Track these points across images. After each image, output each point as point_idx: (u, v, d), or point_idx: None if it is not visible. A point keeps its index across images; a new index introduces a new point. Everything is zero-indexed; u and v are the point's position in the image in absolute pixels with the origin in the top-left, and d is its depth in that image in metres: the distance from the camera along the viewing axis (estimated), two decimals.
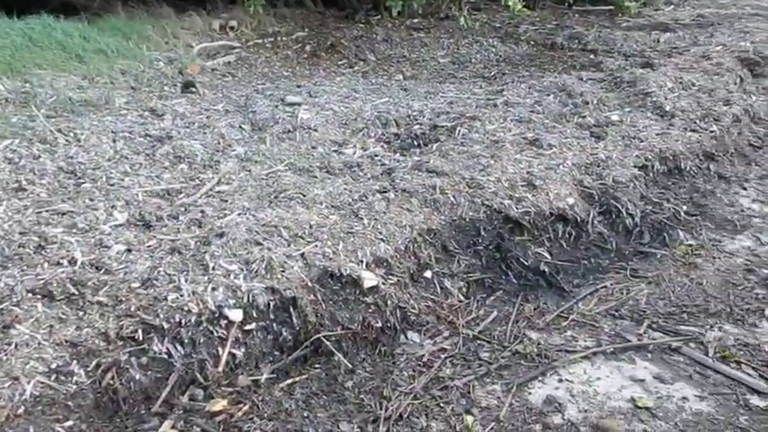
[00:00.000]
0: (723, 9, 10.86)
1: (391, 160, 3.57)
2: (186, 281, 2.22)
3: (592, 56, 7.45)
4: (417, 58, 7.08)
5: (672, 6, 11.29)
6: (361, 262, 2.45)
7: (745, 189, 4.01)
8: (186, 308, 2.10)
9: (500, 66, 6.95)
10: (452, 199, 3.00)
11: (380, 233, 2.64)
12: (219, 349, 2.07)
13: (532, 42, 8.09)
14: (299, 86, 5.25)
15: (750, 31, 8.04)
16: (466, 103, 4.74)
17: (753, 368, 2.40)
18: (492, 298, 2.79)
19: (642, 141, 3.96)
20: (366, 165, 3.49)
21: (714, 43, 7.41)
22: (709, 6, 11.22)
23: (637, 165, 3.66)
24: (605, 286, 2.94)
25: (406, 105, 4.64)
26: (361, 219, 2.73)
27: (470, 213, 2.96)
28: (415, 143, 4.05)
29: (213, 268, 2.29)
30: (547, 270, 2.91)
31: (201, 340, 2.07)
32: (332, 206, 2.85)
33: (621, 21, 9.75)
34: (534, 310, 2.74)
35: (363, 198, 2.94)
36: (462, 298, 2.72)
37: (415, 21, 8.61)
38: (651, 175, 3.72)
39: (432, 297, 2.61)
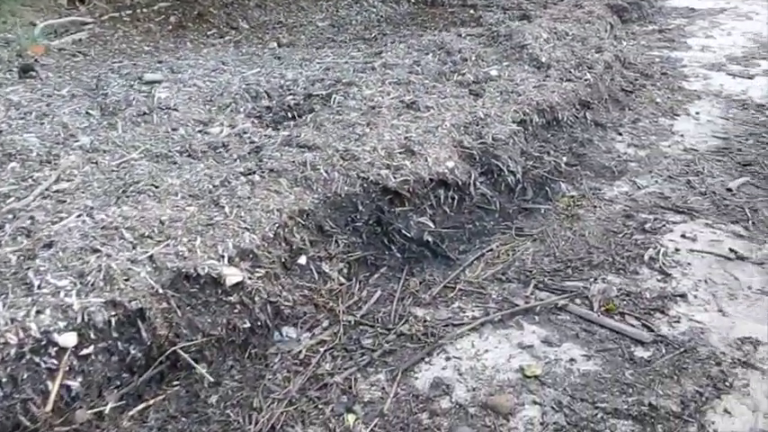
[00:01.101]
0: None
1: (261, 137, 3.27)
2: (3, 306, 1.85)
3: (472, 11, 7.39)
4: (294, 24, 6.69)
5: None
6: (223, 257, 2.18)
7: (620, 134, 4.08)
8: (3, 339, 1.75)
9: (381, 26, 6.71)
10: (325, 174, 2.77)
11: (244, 221, 2.37)
12: (49, 383, 1.74)
13: (413, 0, 7.91)
14: (160, 62, 4.75)
15: None
16: (343, 69, 4.47)
17: (636, 318, 2.40)
18: (376, 276, 2.61)
19: (520, 95, 3.90)
20: (233, 144, 3.16)
21: None
22: None
23: (515, 120, 3.59)
24: (491, 249, 2.86)
25: (279, 75, 4.31)
26: (223, 207, 2.44)
27: (346, 188, 2.74)
28: (289, 115, 3.75)
29: (39, 286, 1.93)
30: (431, 239, 2.77)
31: (25, 376, 1.73)
32: (189, 196, 2.53)
33: None
34: (420, 283, 2.59)
35: (226, 183, 2.64)
36: (343, 280, 2.52)
37: None
38: (530, 129, 3.67)
39: (308, 285, 2.39)
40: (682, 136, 4.08)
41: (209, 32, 6.18)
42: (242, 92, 3.92)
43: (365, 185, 2.79)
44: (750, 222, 3.08)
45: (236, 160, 2.97)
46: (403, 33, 6.30)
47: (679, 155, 3.82)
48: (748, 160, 3.72)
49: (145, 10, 6.54)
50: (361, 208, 2.74)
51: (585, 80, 4.32)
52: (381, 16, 7.14)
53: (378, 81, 4.08)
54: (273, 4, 7.23)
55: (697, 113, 4.43)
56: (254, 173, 2.73)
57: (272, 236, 2.37)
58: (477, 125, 3.45)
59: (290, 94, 3.94)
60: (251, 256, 2.25)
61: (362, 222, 2.73)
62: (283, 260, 2.37)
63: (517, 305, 2.47)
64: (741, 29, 6.46)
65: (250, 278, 2.17)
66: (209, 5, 6.78)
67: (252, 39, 6.03)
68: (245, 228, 2.34)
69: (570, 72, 4.40)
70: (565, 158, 3.60)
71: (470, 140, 3.30)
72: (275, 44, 5.63)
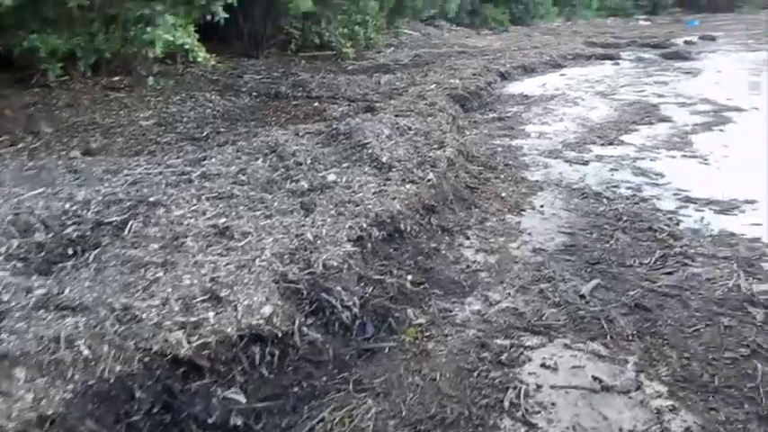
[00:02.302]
0: (435, 49, 11.77)
1: (15, 292, 2.45)
2: None
3: (317, 103, 7.13)
4: (113, 124, 5.92)
5: (392, 48, 11.90)
6: None
7: (468, 239, 3.76)
8: None
9: (215, 123, 6.16)
10: (87, 352, 2.03)
11: None
12: None
13: (255, 93, 7.54)
14: None
15: (458, 68, 8.58)
16: (153, 182, 3.80)
17: None
18: None
19: (358, 206, 3.46)
20: None
21: (429, 82, 7.67)
22: (424, 47, 12.10)
23: (351, 238, 3.11)
24: (323, 419, 2.25)
25: (68, 196, 3.52)
26: None
27: (118, 368, 2.02)
28: (69, 252, 2.97)
29: None
30: (241, 422, 2.11)
31: None
32: None
33: (346, 64, 9.82)
34: None
35: None
36: None
37: (115, 79, 7.41)
38: (369, 246, 3.21)
39: None
40: (529, 234, 3.86)
41: None
42: (7, 224, 3.09)
43: (147, 360, 2.09)
44: (608, 337, 2.79)
45: None
46: (239, 131, 5.79)
47: (529, 257, 3.55)
48: (595, 257, 3.54)
49: None
50: (139, 394, 2.02)
51: (429, 180, 4.02)
52: (218, 111, 6.62)
53: (192, 197, 3.46)
54: (89, 101, 6.43)
55: (542, 206, 4.29)
56: None
57: None
58: (306, 250, 2.92)
59: (75, 223, 3.17)
60: None
61: (143, 413, 2.01)
62: None
63: None
64: (571, 114, 6.76)
65: None
66: (4, 107, 5.82)
67: (54, 145, 5.16)
68: None
69: (413, 172, 4.09)
70: (410, 277, 3.16)
71: (296, 271, 2.74)
72: (78, 152, 4.81)
